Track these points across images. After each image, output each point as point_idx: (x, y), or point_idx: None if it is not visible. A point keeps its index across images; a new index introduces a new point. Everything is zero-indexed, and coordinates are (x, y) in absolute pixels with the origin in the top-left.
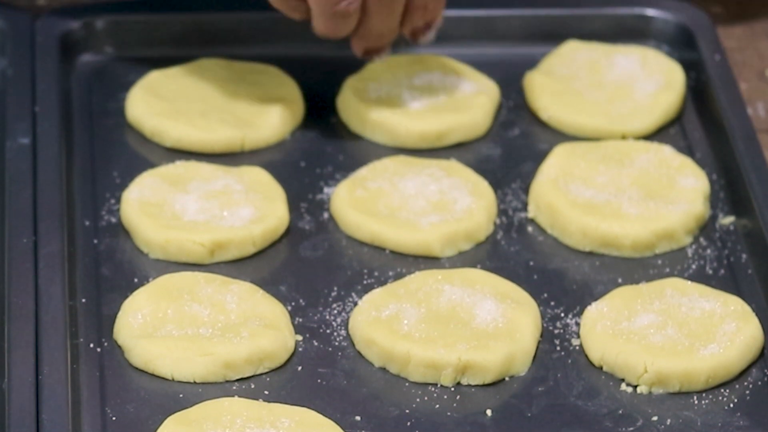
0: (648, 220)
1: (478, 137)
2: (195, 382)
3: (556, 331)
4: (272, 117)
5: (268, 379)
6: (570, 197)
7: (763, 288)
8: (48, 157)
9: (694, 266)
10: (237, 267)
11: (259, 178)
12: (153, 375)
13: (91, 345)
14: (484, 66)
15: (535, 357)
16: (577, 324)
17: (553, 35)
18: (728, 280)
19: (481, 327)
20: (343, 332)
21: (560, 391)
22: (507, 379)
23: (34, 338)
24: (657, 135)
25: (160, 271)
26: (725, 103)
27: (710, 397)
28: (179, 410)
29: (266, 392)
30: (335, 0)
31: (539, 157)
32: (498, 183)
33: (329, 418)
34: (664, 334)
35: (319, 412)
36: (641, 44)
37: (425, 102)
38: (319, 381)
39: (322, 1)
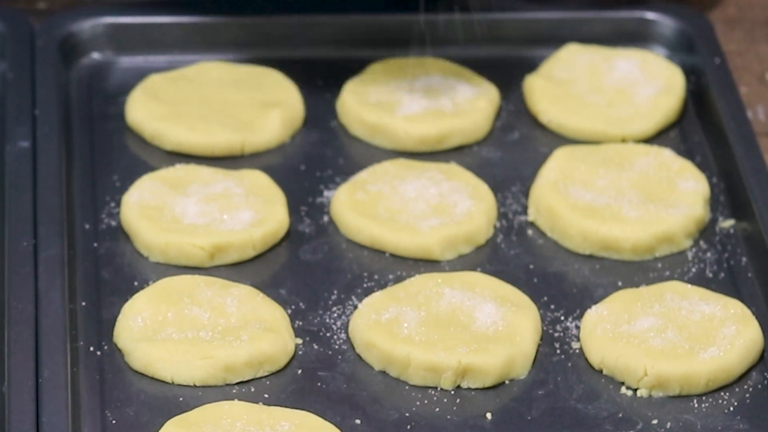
0: (648, 223)
1: (478, 140)
2: (195, 386)
3: (556, 335)
4: (272, 120)
5: (268, 382)
6: (570, 200)
7: (763, 291)
8: (48, 160)
9: (694, 269)
10: (237, 270)
11: (259, 181)
12: (153, 378)
13: (91, 348)
14: (483, 69)
15: (535, 360)
16: (577, 327)
17: (553, 38)
18: (728, 284)
19: (481, 330)
20: (343, 335)
21: (560, 395)
22: (507, 382)
23: (34, 342)
24: (657, 138)
25: (160, 275)
26: (725, 107)
27: (710, 400)
28: (179, 413)
29: (266, 395)
30: None
31: (539, 160)
32: (498, 186)
33: (329, 421)
34: (664, 338)
35: (319, 415)
36: (641, 48)
37: (425, 105)
38: (319, 384)
39: None
